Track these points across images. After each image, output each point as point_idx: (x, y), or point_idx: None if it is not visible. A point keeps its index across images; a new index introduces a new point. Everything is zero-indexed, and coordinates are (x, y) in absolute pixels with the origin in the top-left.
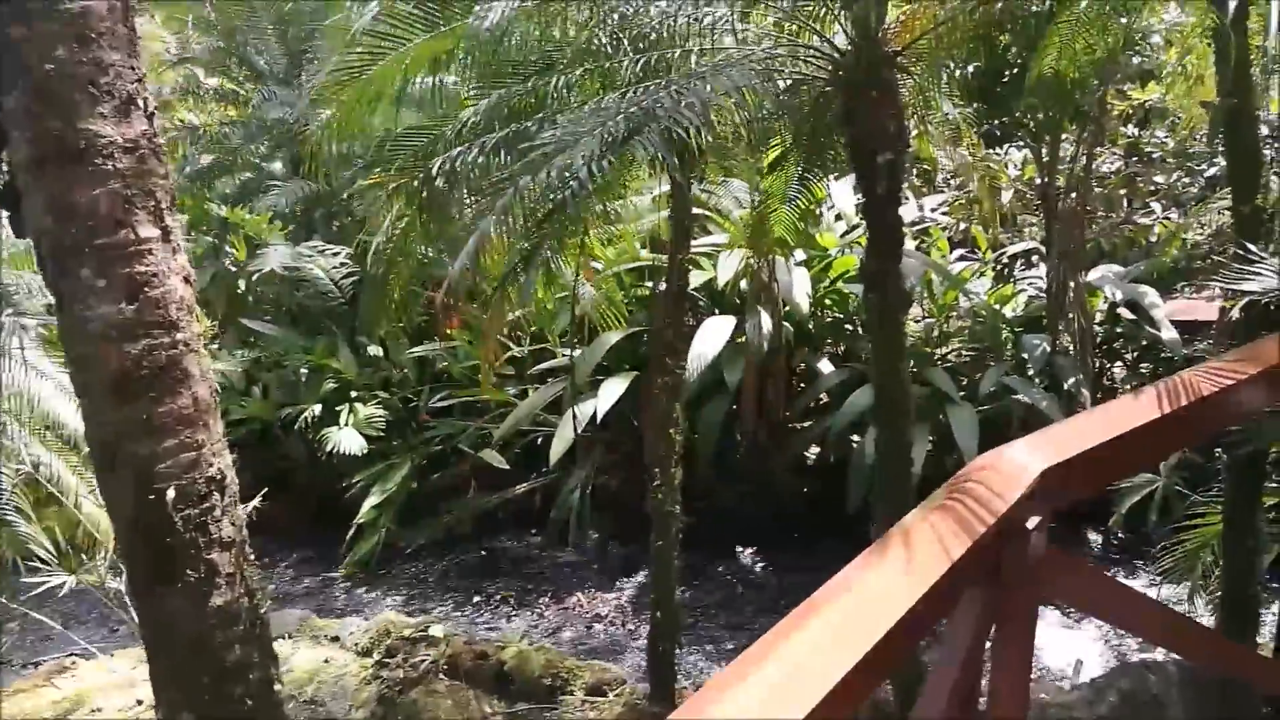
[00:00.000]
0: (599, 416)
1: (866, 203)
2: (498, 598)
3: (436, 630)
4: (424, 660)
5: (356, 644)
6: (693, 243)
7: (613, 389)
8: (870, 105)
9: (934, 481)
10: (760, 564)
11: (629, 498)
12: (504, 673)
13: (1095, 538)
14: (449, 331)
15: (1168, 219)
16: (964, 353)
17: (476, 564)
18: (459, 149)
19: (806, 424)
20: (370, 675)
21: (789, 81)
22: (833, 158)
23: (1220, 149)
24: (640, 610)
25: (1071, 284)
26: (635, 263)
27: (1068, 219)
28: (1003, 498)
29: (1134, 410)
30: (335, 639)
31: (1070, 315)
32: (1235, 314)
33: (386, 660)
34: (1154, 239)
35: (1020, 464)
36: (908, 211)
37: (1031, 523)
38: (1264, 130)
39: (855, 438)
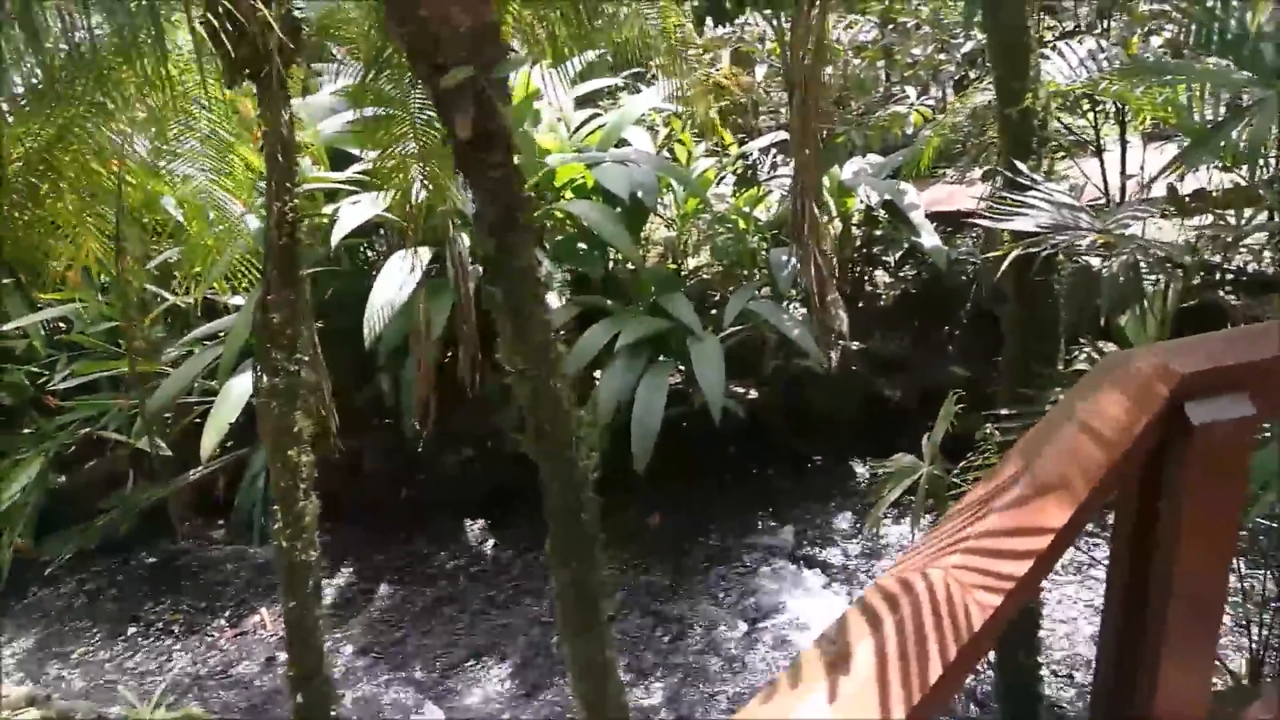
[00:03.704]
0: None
1: (455, 148)
2: (160, 625)
3: (29, 716)
4: None
5: None
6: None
7: (307, 336)
8: None
9: (672, 428)
10: (490, 542)
11: (334, 472)
12: None
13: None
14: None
15: (925, 105)
16: (717, 267)
17: (141, 577)
18: None
19: None
20: None
21: None
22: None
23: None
24: (343, 621)
25: (804, 204)
26: (305, 185)
27: (797, 117)
28: None
29: None
30: None
31: (804, 240)
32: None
33: None
34: (909, 129)
35: None
36: (651, 96)
37: None
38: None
39: (598, 375)
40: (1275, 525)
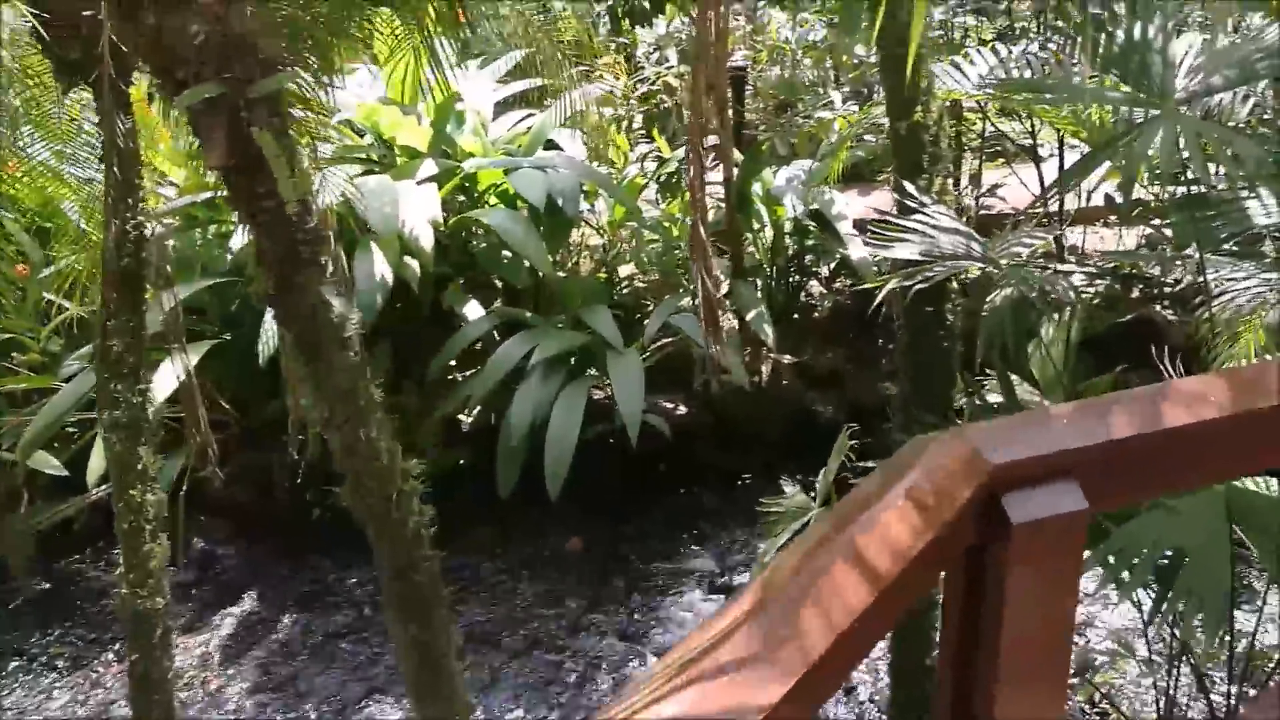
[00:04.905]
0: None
1: (222, 175)
2: (44, 659)
3: None
4: None
5: None
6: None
7: (180, 361)
8: None
9: (595, 446)
10: None
11: (243, 491)
12: None
13: None
14: None
15: (851, 113)
16: (653, 276)
17: (34, 606)
18: None
19: (469, 374)
20: None
21: None
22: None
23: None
24: (238, 654)
25: (694, 222)
26: (208, 193)
27: (690, 127)
28: None
29: None
30: None
31: (698, 272)
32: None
33: None
34: (834, 135)
35: None
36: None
37: None
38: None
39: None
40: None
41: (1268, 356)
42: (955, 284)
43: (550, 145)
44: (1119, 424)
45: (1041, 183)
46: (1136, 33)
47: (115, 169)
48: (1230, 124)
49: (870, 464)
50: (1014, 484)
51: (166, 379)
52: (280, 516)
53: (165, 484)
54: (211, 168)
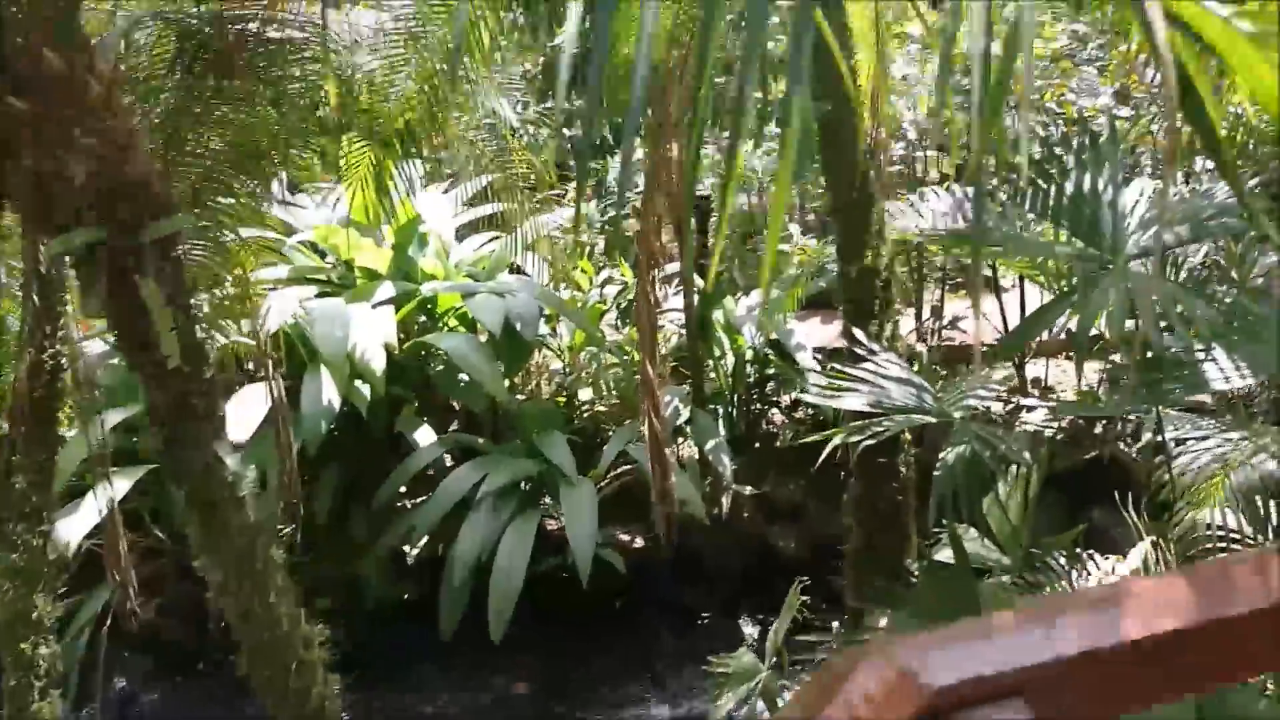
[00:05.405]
0: (71, 546)
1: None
2: None
3: None
4: None
5: None
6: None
7: (104, 493)
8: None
9: (546, 580)
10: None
11: (175, 625)
12: None
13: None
14: None
15: (809, 246)
16: (613, 400)
17: None
18: None
19: (418, 501)
20: None
21: None
22: None
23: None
24: None
25: (643, 362)
26: None
27: (641, 265)
28: None
29: None
30: None
31: (645, 412)
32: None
33: None
34: (796, 269)
35: None
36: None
37: None
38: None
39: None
40: None
41: (1228, 510)
42: (908, 433)
43: (515, 269)
44: (1068, 638)
45: (1003, 315)
46: (1086, 184)
47: (35, 297)
48: (1185, 269)
49: (817, 634)
50: (953, 707)
51: (91, 510)
52: (211, 654)
53: (89, 617)
54: (87, 316)
